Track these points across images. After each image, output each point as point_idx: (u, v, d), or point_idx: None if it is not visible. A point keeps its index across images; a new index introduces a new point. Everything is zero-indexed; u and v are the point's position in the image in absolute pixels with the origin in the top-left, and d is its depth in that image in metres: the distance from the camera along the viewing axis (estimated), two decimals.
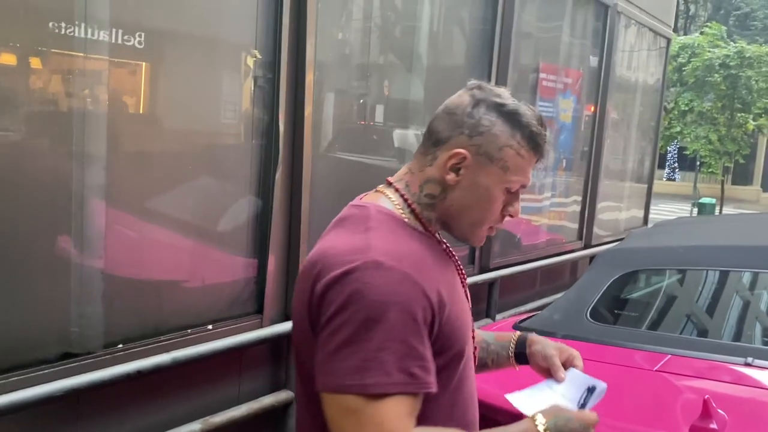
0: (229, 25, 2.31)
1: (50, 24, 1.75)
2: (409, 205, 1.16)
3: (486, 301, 3.79)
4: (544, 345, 1.34)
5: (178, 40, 2.17)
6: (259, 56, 2.39)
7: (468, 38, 3.68)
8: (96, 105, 1.93)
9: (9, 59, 1.76)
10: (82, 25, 1.81)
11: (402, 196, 1.16)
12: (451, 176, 1.14)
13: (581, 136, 4.80)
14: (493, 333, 1.42)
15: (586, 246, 4.89)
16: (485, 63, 3.62)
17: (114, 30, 1.89)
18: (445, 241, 1.23)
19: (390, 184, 1.19)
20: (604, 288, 2.54)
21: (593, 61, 4.82)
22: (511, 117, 1.14)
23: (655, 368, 2.16)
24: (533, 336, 1.36)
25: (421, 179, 1.16)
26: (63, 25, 1.77)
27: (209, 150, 2.33)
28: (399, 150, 3.26)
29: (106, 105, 1.96)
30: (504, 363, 1.39)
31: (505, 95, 1.16)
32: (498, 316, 3.77)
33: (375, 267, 1.01)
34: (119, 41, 1.91)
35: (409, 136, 3.29)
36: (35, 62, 1.80)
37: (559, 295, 4.04)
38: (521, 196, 1.21)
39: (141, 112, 2.15)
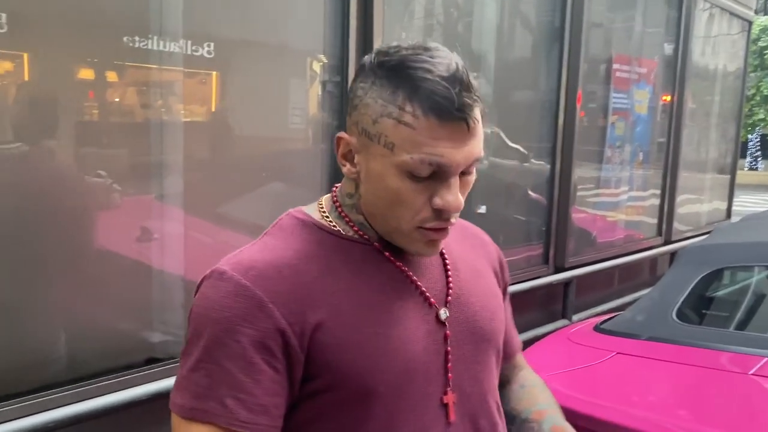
0: (297, 30, 2.33)
1: (125, 38, 1.80)
2: (336, 208, 0.97)
3: (562, 302, 3.69)
4: None
5: (246, 48, 2.20)
6: (326, 60, 2.39)
7: (535, 32, 3.59)
8: (171, 115, 1.98)
9: (88, 74, 1.83)
10: (155, 38, 1.86)
11: (333, 198, 0.99)
12: (346, 167, 0.93)
13: (658, 127, 4.62)
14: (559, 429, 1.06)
15: (666, 242, 4.69)
16: (555, 56, 3.51)
17: (185, 41, 1.93)
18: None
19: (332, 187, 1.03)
20: (690, 287, 2.41)
21: (668, 49, 4.62)
22: (393, 75, 0.85)
23: (750, 372, 2.04)
24: None
25: (344, 179, 0.98)
26: (137, 38, 1.82)
27: (280, 156, 2.35)
28: None
29: (180, 114, 2.00)
30: None
31: (400, 49, 0.87)
32: (574, 317, 3.66)
33: (216, 277, 0.88)
34: (190, 52, 1.95)
35: None
36: (112, 76, 1.87)
37: (638, 294, 3.90)
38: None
39: (214, 120, 2.19)
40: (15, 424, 1.46)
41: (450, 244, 1.02)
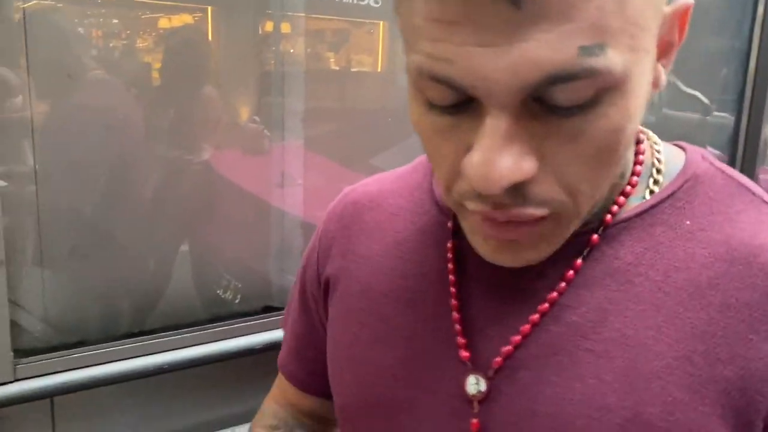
0: None
1: None
2: None
3: None
4: None
5: None
6: None
7: None
8: (336, 64, 2.03)
9: (260, 25, 1.88)
10: None
11: None
12: None
13: None
14: None
15: None
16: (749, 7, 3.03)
17: None
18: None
19: None
20: None
21: None
22: None
23: None
24: None
25: None
26: None
27: None
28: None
29: (343, 64, 2.05)
30: None
31: None
32: None
33: None
34: (358, 1, 1.96)
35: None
36: (284, 27, 1.92)
37: None
38: None
39: (377, 69, 2.20)
40: (125, 364, 1.52)
41: (613, 270, 0.52)
